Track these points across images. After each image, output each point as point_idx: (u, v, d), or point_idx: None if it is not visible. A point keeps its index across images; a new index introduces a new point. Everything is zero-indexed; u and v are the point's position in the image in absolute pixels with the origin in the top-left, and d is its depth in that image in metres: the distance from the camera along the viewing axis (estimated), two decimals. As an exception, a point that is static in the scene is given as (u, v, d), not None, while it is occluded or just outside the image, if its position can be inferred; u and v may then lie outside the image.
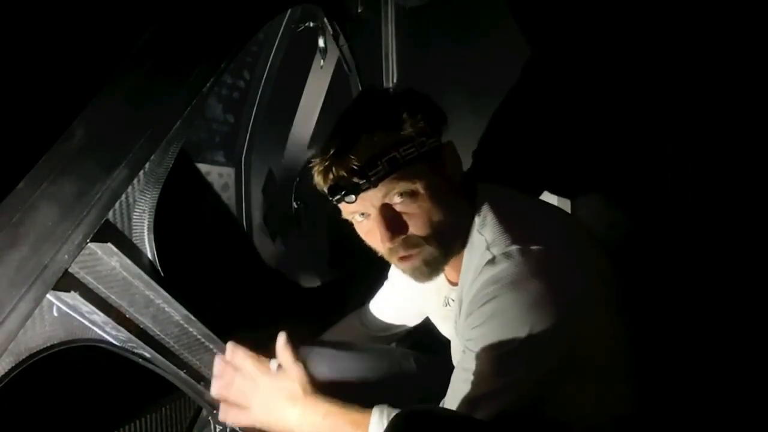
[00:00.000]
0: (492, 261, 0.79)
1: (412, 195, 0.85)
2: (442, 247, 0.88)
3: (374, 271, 1.32)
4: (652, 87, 1.19)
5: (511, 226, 0.82)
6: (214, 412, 1.28)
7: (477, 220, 0.86)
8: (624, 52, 1.24)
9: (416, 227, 0.86)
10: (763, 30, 1.03)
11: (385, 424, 0.83)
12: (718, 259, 1.09)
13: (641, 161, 1.21)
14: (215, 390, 1.01)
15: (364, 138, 0.83)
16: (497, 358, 0.75)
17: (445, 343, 1.10)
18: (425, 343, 1.33)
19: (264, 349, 1.22)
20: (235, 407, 0.99)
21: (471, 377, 0.78)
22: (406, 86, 0.95)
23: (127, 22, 0.87)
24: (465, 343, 0.82)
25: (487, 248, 0.81)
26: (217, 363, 1.00)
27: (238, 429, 1.30)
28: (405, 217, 0.86)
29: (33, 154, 0.73)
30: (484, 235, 0.83)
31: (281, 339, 0.98)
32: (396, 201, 0.86)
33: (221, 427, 1.30)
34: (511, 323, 0.75)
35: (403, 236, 0.86)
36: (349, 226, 0.94)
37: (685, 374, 1.04)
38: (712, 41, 1.10)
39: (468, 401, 0.77)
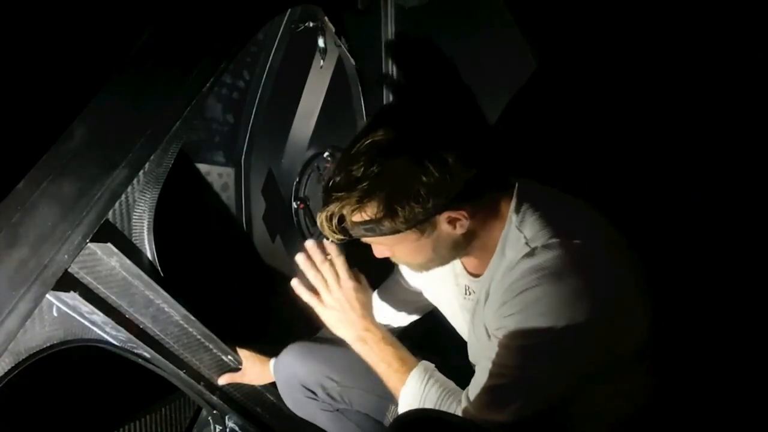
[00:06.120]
0: (531, 253, 0.80)
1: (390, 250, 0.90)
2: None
3: (374, 270, 1.32)
4: (655, 87, 1.19)
5: (551, 221, 0.83)
6: (214, 412, 1.29)
7: (515, 217, 0.87)
8: (627, 51, 1.23)
9: None
10: (763, 30, 1.03)
11: (425, 380, 0.89)
12: (721, 259, 1.09)
13: (642, 162, 1.21)
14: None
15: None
16: (529, 348, 0.78)
17: (446, 344, 1.10)
18: (426, 344, 1.32)
19: (264, 348, 1.22)
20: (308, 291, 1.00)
21: (497, 366, 0.80)
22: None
23: (126, 22, 0.87)
24: (494, 331, 0.84)
25: (526, 243, 0.82)
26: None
27: (238, 429, 1.30)
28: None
29: (33, 154, 0.73)
30: (523, 232, 0.84)
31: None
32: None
33: (221, 427, 1.30)
34: (550, 313, 0.77)
35: None
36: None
37: (692, 369, 1.04)
38: (714, 41, 1.10)
39: (492, 393, 0.80)
